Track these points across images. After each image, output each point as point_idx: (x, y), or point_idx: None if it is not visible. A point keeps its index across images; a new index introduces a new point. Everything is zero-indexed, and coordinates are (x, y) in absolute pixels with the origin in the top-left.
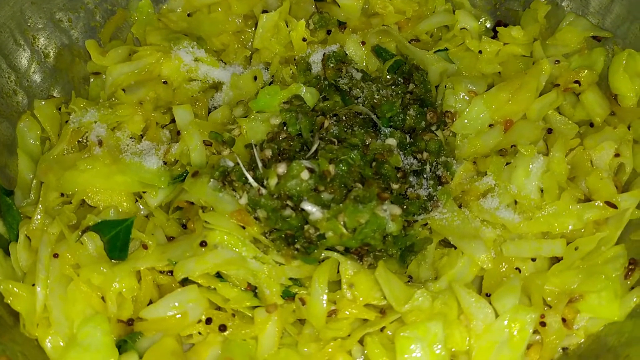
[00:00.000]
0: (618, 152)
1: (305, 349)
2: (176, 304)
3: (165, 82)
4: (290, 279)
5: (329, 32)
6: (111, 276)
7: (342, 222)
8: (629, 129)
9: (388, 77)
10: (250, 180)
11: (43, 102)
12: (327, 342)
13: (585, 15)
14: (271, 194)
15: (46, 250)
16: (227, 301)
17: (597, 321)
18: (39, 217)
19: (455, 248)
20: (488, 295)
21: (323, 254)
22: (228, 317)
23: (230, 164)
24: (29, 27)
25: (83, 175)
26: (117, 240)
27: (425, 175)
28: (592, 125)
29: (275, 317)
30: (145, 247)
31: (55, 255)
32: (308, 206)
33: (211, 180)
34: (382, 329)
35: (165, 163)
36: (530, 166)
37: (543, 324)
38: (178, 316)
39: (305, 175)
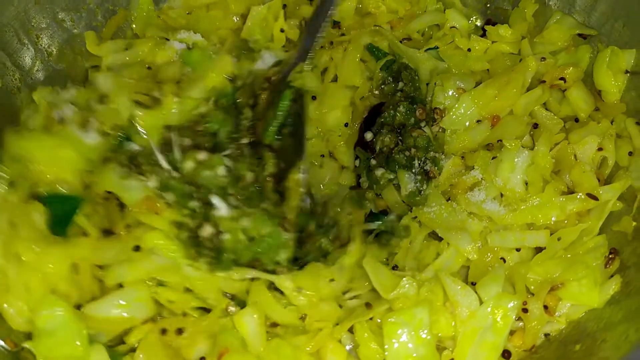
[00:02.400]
0: (601, 146)
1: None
2: (121, 302)
3: (149, 68)
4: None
5: None
6: (44, 258)
7: (243, 227)
8: (612, 124)
9: (380, 75)
10: (162, 162)
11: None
12: (315, 332)
13: (571, 13)
14: (184, 179)
15: (2, 218)
16: (172, 302)
17: (578, 308)
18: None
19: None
20: (473, 284)
21: (253, 274)
22: (180, 319)
23: (136, 147)
24: (33, 26)
25: (28, 144)
26: (61, 215)
27: (413, 170)
28: (577, 120)
29: (254, 315)
30: (85, 234)
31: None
32: (216, 200)
33: (117, 166)
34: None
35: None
36: (515, 160)
37: (525, 310)
38: (124, 314)
39: (221, 171)
